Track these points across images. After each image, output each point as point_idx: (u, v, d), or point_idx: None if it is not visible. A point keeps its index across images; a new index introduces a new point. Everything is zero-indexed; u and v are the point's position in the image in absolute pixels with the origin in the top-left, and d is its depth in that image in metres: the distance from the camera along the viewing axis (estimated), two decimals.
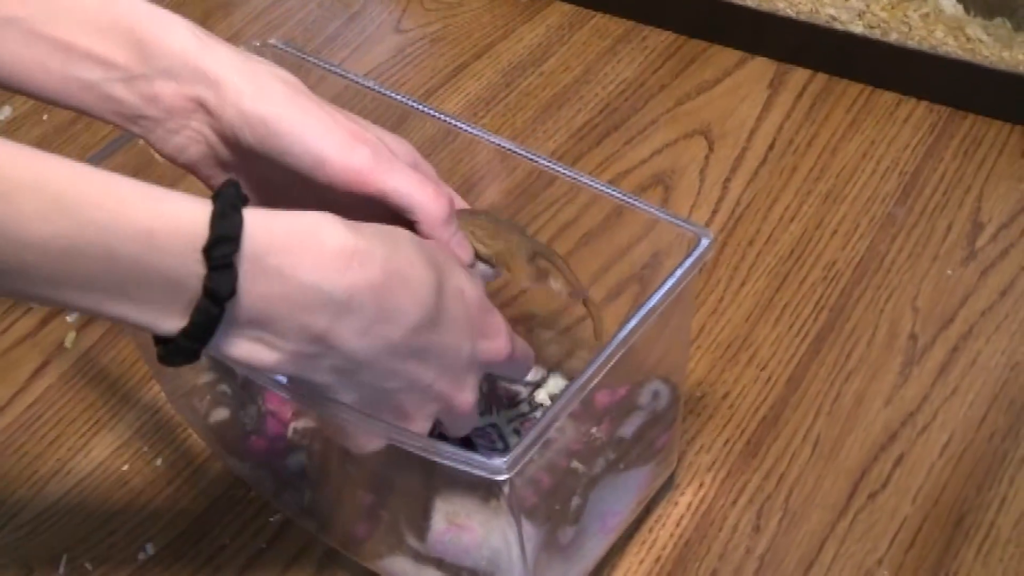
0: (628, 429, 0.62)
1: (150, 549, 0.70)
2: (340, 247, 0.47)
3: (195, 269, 0.45)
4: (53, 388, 0.78)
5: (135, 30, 0.53)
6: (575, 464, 0.60)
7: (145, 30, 0.53)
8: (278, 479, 0.69)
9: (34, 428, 0.76)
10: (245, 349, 0.47)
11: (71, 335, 0.81)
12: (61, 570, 0.69)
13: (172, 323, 0.46)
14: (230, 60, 0.53)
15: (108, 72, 0.53)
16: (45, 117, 0.97)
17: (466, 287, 0.54)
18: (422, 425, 0.54)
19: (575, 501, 0.60)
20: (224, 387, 0.68)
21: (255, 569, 0.69)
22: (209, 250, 0.44)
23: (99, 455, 0.74)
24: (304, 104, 0.53)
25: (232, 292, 0.45)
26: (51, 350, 0.80)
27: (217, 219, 0.45)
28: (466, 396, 0.54)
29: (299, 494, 0.68)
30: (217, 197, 0.46)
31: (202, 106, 0.53)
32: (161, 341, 0.47)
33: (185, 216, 0.45)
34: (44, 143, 0.94)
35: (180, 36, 0.53)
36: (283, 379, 0.54)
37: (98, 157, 0.62)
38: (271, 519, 0.71)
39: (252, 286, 0.46)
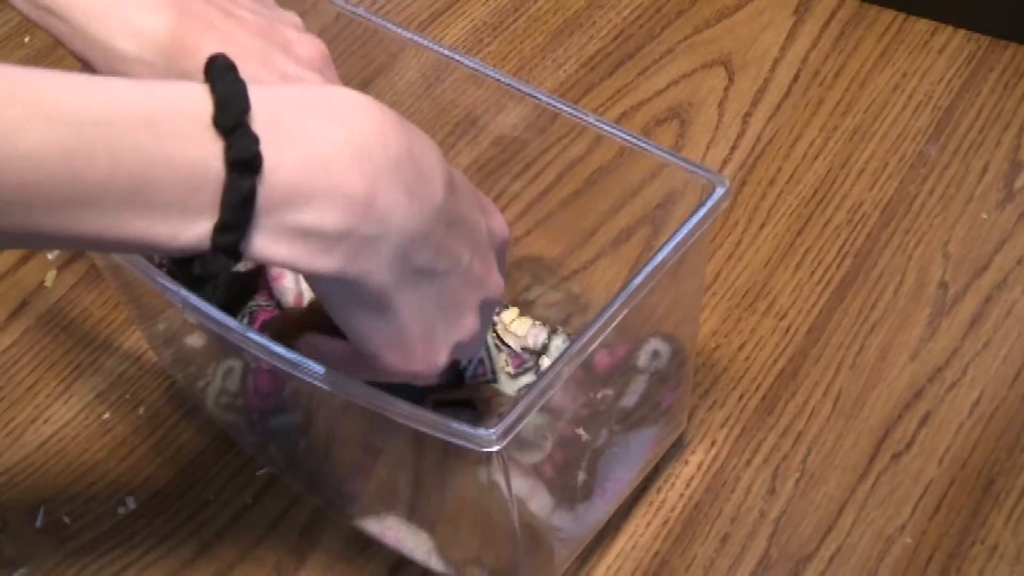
0: (631, 398, 0.57)
1: (131, 503, 0.66)
2: (356, 99, 0.43)
3: (211, 148, 0.40)
4: (31, 331, 0.74)
5: None
6: (580, 432, 0.56)
7: None
8: (265, 435, 0.65)
9: (11, 373, 0.73)
10: (290, 247, 0.42)
11: (51, 274, 0.77)
12: (38, 523, 0.66)
13: (200, 225, 0.41)
14: None
15: None
16: (27, 39, 0.92)
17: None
18: (473, 321, 0.48)
19: (581, 477, 0.56)
20: (206, 335, 0.64)
21: (240, 526, 0.65)
22: (219, 118, 0.40)
23: (79, 402, 0.71)
24: None
25: (258, 158, 0.40)
26: (30, 290, 0.76)
27: (217, 84, 0.40)
28: (496, 278, 0.50)
29: (286, 452, 0.64)
30: (208, 68, 0.41)
31: None
32: (190, 261, 0.42)
33: (182, 94, 0.40)
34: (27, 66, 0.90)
35: None
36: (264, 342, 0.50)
37: None
38: (257, 473, 0.67)
39: (277, 152, 0.41)
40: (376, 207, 0.42)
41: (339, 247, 0.42)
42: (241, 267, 0.61)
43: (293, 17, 0.59)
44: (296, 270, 0.43)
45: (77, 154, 0.38)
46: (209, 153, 0.40)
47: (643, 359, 0.58)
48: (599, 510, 0.60)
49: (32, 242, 0.41)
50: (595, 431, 0.56)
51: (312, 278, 0.44)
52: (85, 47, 0.53)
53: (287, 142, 0.41)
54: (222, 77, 0.41)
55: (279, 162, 0.41)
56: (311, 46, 0.56)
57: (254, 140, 0.40)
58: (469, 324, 0.49)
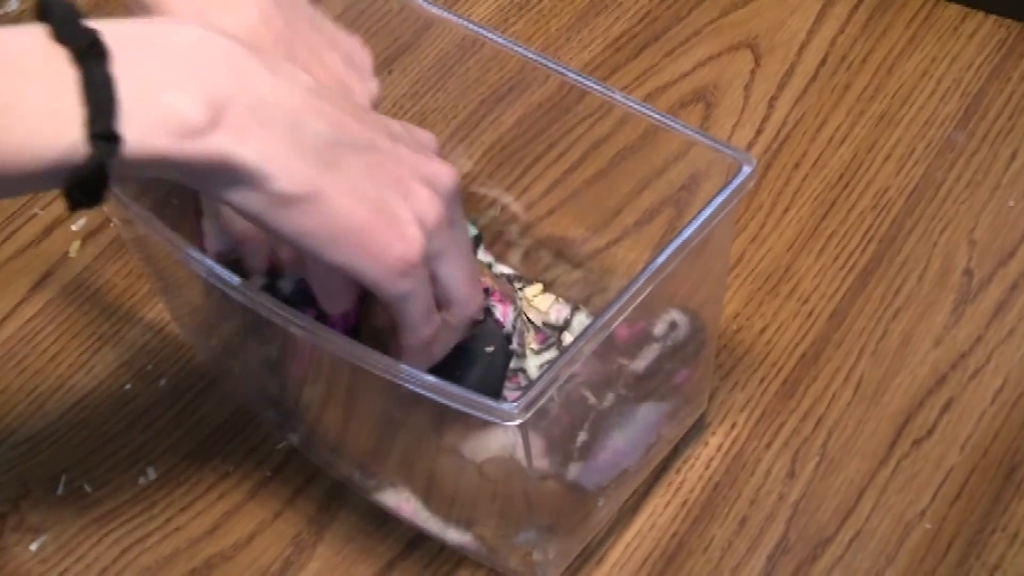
0: (641, 363, 0.57)
1: (151, 473, 0.67)
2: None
3: (60, 52, 0.40)
4: (55, 301, 0.75)
5: None
6: (587, 393, 0.56)
7: None
8: (294, 405, 0.65)
9: (35, 342, 0.73)
10: (169, 137, 0.42)
11: (75, 244, 0.77)
12: (59, 491, 0.66)
13: (74, 123, 0.40)
14: None
15: None
16: None
17: None
18: (428, 193, 0.47)
19: (581, 436, 0.55)
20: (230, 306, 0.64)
21: (259, 499, 0.66)
22: (58, 33, 0.41)
23: (101, 372, 0.71)
24: None
25: (100, 44, 0.41)
26: (54, 260, 0.77)
27: (51, 11, 0.41)
28: (436, 162, 0.49)
29: (307, 424, 0.64)
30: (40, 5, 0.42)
31: None
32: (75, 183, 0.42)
33: (20, 29, 0.41)
34: None
35: None
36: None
37: None
38: (277, 447, 0.67)
39: (124, 51, 0.41)
40: (241, 83, 0.43)
41: (218, 128, 0.42)
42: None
43: (373, 89, 0.58)
44: (185, 165, 0.42)
45: None
46: (58, 57, 0.40)
47: (660, 327, 0.57)
48: (593, 477, 0.60)
49: None
50: (601, 394, 0.56)
51: (217, 183, 0.44)
52: None
53: (133, 40, 0.42)
54: (54, 5, 0.41)
55: (127, 56, 0.41)
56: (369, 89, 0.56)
57: (92, 32, 0.41)
58: (424, 195, 0.47)
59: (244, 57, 0.44)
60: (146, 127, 0.41)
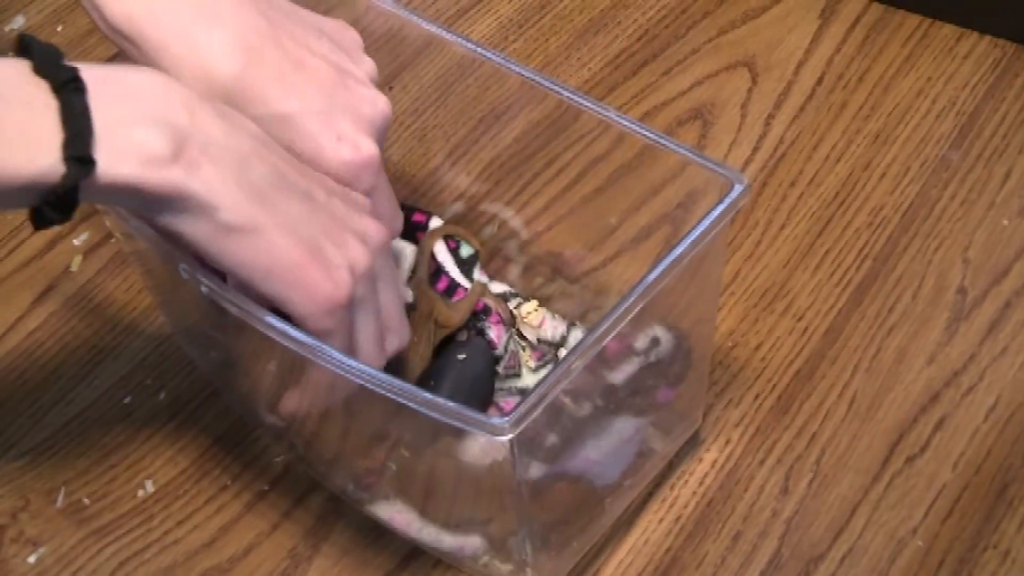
0: (618, 375, 0.57)
1: (150, 486, 0.67)
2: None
3: (40, 84, 0.45)
4: (56, 314, 0.75)
5: None
6: (566, 399, 0.56)
7: None
8: (281, 424, 0.65)
9: (36, 355, 0.73)
10: (132, 166, 0.46)
11: (77, 259, 0.78)
12: (59, 503, 0.67)
13: (52, 148, 0.44)
14: None
15: None
16: (59, 28, 0.93)
17: None
18: (359, 247, 0.53)
19: (551, 439, 0.55)
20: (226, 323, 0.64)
21: (257, 512, 0.66)
22: (39, 67, 0.45)
23: (101, 385, 0.72)
24: None
25: (79, 80, 0.45)
26: (55, 274, 0.77)
27: (31, 48, 0.46)
28: (369, 222, 0.54)
29: (302, 441, 0.65)
30: (19, 41, 0.47)
31: None
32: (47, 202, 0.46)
33: (5, 61, 0.46)
34: None
35: None
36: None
37: None
38: (275, 459, 0.68)
39: (98, 86, 0.46)
40: (197, 126, 0.48)
41: (176, 162, 0.47)
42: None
43: (369, 67, 0.59)
44: (145, 192, 0.47)
45: None
46: (39, 88, 0.45)
47: (641, 341, 0.58)
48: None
49: None
50: (577, 400, 0.56)
51: (170, 211, 0.48)
52: None
53: (105, 80, 0.47)
54: (33, 44, 0.46)
55: (101, 93, 0.46)
56: (374, 106, 0.57)
57: (72, 69, 0.46)
58: (354, 245, 0.52)
59: (200, 104, 0.49)
60: (117, 154, 0.46)
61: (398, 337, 0.57)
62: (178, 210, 0.48)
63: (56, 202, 0.45)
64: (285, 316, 0.52)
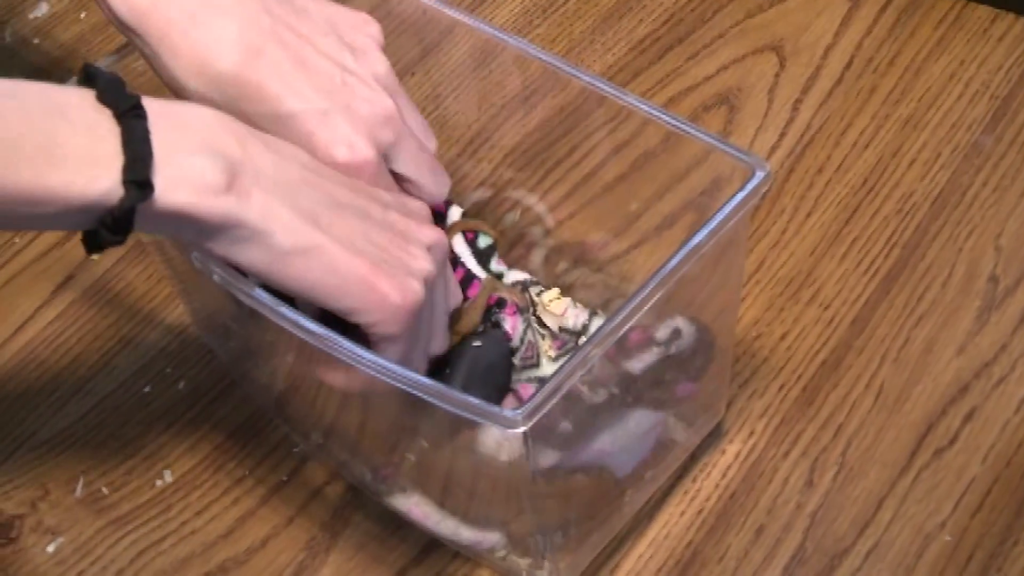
0: (637, 364, 0.56)
1: (168, 476, 0.67)
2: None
3: (104, 111, 0.46)
4: (76, 303, 0.75)
5: None
6: (583, 388, 0.55)
7: None
8: (299, 414, 0.65)
9: (55, 344, 0.73)
10: (187, 193, 0.47)
11: None
12: (77, 493, 0.67)
13: (111, 170, 0.45)
14: None
15: None
16: (83, 16, 0.93)
17: None
18: (423, 255, 0.53)
19: (564, 425, 0.54)
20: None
21: (274, 503, 0.66)
22: (102, 95, 0.47)
23: (121, 375, 0.72)
24: None
25: (141, 108, 0.46)
26: (76, 263, 0.77)
27: (95, 78, 0.48)
28: (430, 230, 0.55)
29: (319, 432, 0.64)
30: (84, 72, 0.48)
31: None
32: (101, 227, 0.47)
33: (68, 88, 0.47)
34: (81, 42, 0.91)
35: None
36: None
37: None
38: (294, 450, 0.67)
39: (158, 118, 0.47)
40: (248, 157, 0.49)
41: (229, 192, 0.48)
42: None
43: (377, 66, 0.58)
44: (199, 221, 0.47)
45: None
46: (102, 114, 0.46)
47: (662, 332, 0.56)
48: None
49: None
50: (593, 388, 0.55)
51: (226, 240, 0.49)
52: (158, 69, 0.55)
53: (163, 113, 0.48)
54: (98, 74, 0.48)
55: (160, 123, 0.47)
56: (374, 107, 0.56)
57: (135, 97, 0.47)
58: (418, 254, 0.53)
59: (250, 137, 0.50)
60: (173, 181, 0.46)
61: (438, 344, 0.58)
62: (233, 239, 0.49)
63: (112, 225, 0.46)
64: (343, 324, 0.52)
